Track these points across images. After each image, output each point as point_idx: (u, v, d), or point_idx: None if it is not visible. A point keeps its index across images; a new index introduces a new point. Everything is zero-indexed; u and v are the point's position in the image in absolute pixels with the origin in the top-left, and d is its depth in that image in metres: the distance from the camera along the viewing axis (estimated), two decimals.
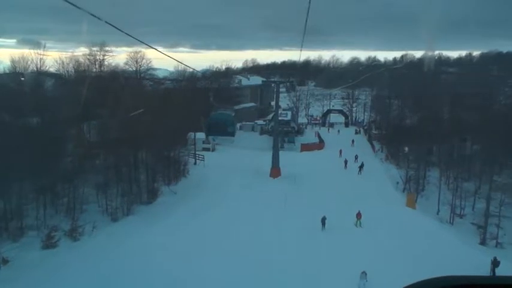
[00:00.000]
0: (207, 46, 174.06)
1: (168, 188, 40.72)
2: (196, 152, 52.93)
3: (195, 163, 50.00)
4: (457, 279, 1.61)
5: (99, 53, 56.20)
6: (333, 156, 56.30)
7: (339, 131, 79.34)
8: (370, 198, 41.34)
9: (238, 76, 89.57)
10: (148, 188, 38.32)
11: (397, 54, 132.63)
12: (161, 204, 37.17)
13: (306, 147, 62.97)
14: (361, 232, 33.91)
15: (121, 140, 40.88)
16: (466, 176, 51.23)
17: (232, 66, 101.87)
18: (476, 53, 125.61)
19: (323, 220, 33.80)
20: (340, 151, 57.78)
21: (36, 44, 61.79)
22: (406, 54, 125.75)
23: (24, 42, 79.19)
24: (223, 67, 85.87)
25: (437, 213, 44.05)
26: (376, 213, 37.31)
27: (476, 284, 1.63)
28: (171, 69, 77.50)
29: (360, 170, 51.43)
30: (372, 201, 40.79)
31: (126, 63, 66.29)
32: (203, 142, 58.33)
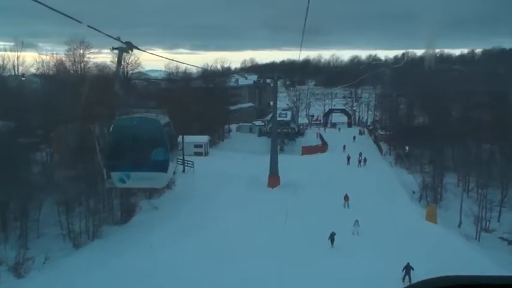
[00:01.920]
0: (206, 47, 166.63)
1: (149, 203, 33.50)
2: (186, 158, 45.78)
3: (183, 170, 42.79)
4: (457, 279, 1.53)
5: (80, 51, 48.89)
6: (338, 160, 49.03)
7: (339, 129, 72.40)
8: (385, 211, 34.28)
9: (235, 75, 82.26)
10: (123, 203, 31.08)
11: (398, 52, 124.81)
12: (137, 224, 29.94)
13: (307, 150, 55.70)
14: (378, 251, 26.87)
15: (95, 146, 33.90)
16: (486, 181, 44.33)
17: (230, 66, 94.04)
18: (478, 50, 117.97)
19: (332, 236, 27.56)
20: (344, 146, 55.19)
21: (34, 47, 54.53)
22: (407, 52, 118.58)
23: (23, 45, 72.23)
24: (219, 66, 77.57)
25: (459, 226, 36.98)
26: (394, 230, 30.36)
27: (476, 283, 1.53)
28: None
29: (359, 164, 49.11)
30: (387, 214, 33.75)
31: (112, 61, 58.89)
32: (195, 146, 51.20)
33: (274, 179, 40.17)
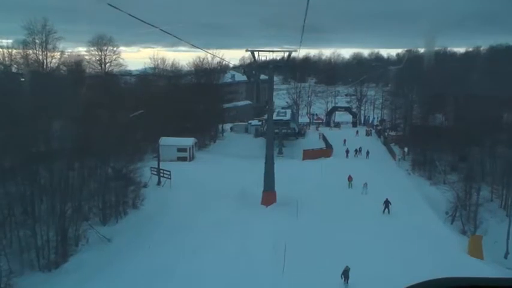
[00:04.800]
0: (206, 45, 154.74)
1: (101, 232, 23.62)
2: (169, 164, 36.18)
3: (158, 183, 32.97)
4: (457, 281, 1.45)
5: (42, 37, 39.00)
6: (346, 168, 38.98)
7: (331, 128, 62.97)
8: (413, 242, 24.58)
9: (231, 71, 72.09)
10: (59, 235, 21.24)
11: (402, 50, 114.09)
12: (74, 267, 20.06)
13: (309, 154, 45.73)
14: None
15: (37, 153, 24.51)
16: None
17: (223, 57, 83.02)
18: (483, 47, 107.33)
19: (345, 273, 19.97)
20: (344, 140, 49.43)
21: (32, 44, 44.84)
22: (410, 50, 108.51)
23: (21, 42, 62.71)
24: (212, 60, 65.69)
25: (505, 257, 27.32)
26: (429, 271, 20.48)
27: (476, 285, 1.46)
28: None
29: (355, 153, 45.53)
30: (416, 246, 24.08)
31: (88, 52, 48.83)
32: (178, 150, 41.41)
33: (268, 196, 30.22)
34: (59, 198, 22.46)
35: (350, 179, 34.45)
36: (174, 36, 21.14)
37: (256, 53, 31.94)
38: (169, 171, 32.37)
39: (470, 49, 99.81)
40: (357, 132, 57.89)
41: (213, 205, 28.60)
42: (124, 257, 21.15)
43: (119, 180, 27.73)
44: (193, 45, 52.49)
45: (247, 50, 32.48)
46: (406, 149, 45.97)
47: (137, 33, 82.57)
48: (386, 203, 29.10)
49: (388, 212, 29.18)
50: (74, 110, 31.46)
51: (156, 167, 33.73)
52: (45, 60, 39.19)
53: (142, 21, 15.88)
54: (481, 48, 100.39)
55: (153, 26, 18.12)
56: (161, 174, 32.82)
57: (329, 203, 30.39)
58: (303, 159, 45.32)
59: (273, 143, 34.83)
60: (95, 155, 27.34)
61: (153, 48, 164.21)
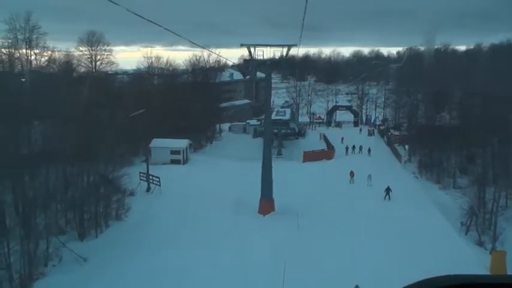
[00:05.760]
0: (205, 44, 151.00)
1: (78, 248, 20.53)
2: (161, 167, 33.30)
3: (147, 189, 29.89)
4: (456, 279, 1.40)
5: (26, 35, 35.88)
6: (349, 169, 35.70)
7: (327, 127, 60.35)
8: (425, 255, 21.55)
9: (229, 69, 68.80)
10: (26, 256, 18.17)
11: (402, 48, 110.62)
12: None
13: (310, 156, 42.63)
14: None
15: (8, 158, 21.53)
16: None
17: (221, 55, 78.99)
18: (485, 45, 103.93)
19: None
20: (342, 138, 47.79)
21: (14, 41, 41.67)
22: (410, 48, 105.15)
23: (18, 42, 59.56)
24: (208, 58, 61.35)
25: None
26: None
27: (476, 283, 1.41)
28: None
29: (353, 150, 44.68)
30: (429, 260, 20.85)
31: (78, 50, 45.68)
32: (171, 152, 38.37)
33: (266, 204, 27.12)
34: (29, 210, 19.44)
35: (352, 174, 33.97)
36: (175, 34, 18.48)
37: (252, 48, 28.87)
38: (159, 178, 29.28)
39: (472, 47, 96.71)
40: (360, 130, 56.27)
41: (206, 214, 25.57)
42: (100, 279, 18.10)
43: (103, 188, 24.69)
44: (193, 43, 49.44)
45: (242, 45, 29.15)
46: (407, 147, 43.02)
47: (137, 32, 79.88)
48: (387, 190, 29.53)
49: (389, 198, 29.49)
50: (56, 111, 28.49)
51: (143, 173, 30.62)
52: (29, 58, 36.09)
53: (142, 17, 13.94)
54: (482, 46, 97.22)
55: (153, 23, 15.53)
56: (150, 181, 29.72)
57: (331, 210, 27.48)
58: (304, 161, 42.27)
59: (270, 146, 31.63)
60: (78, 159, 24.36)
61: (153, 47, 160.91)
